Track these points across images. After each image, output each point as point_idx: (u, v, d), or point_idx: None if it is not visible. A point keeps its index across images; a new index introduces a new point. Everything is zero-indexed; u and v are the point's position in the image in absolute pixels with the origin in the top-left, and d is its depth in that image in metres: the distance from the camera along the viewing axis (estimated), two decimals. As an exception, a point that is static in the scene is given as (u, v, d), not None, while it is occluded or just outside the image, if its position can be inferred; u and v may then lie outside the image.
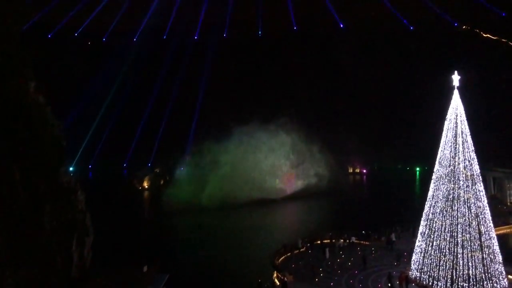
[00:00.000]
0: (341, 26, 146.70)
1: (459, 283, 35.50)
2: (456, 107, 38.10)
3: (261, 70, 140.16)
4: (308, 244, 48.38)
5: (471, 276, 35.49)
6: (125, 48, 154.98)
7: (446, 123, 38.41)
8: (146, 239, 61.44)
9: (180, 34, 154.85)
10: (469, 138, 37.76)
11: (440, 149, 38.55)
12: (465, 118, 37.95)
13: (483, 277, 35.53)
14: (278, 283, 37.30)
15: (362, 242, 50.13)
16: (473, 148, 37.71)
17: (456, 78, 38.40)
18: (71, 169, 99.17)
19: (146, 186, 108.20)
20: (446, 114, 38.54)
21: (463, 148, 37.38)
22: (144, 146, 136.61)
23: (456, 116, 37.94)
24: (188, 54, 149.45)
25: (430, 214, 38.01)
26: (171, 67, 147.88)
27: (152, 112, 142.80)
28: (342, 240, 48.89)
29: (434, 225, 37.44)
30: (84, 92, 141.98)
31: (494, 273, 35.99)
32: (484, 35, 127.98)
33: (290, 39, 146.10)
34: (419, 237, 39.10)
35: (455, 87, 38.31)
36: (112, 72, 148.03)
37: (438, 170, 38.38)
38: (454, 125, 37.83)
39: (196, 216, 74.36)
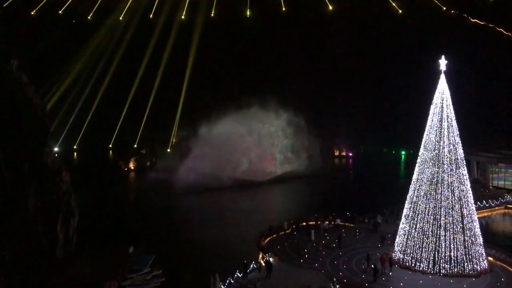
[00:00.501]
0: (330, 8, 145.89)
1: (441, 265, 36.30)
2: (442, 92, 38.42)
3: (248, 52, 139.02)
4: (294, 226, 48.75)
5: (453, 258, 36.32)
6: (111, 26, 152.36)
7: (432, 107, 38.75)
8: (132, 220, 61.37)
9: (167, 14, 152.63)
10: (454, 123, 38.20)
11: (425, 133, 38.98)
12: (450, 103, 38.34)
13: (464, 259, 36.40)
14: (263, 264, 37.65)
15: (347, 224, 50.70)
16: (457, 133, 38.19)
17: (443, 63, 38.61)
18: (55, 149, 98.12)
19: (132, 168, 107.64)
20: (432, 99, 38.84)
21: (448, 132, 37.84)
22: (130, 127, 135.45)
23: (442, 100, 38.28)
24: (174, 33, 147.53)
25: (414, 197, 38.61)
26: (157, 47, 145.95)
27: (138, 92, 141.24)
28: (327, 222, 49.34)
29: (418, 208, 38.06)
30: (68, 72, 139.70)
31: (475, 255, 36.85)
32: (472, 20, 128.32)
33: (278, 21, 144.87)
34: (403, 219, 39.71)
35: (442, 71, 38.56)
36: (98, 51, 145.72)
37: (423, 153, 38.85)
38: (440, 109, 38.19)
39: (178, 198, 74.16)
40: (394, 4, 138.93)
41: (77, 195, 35.55)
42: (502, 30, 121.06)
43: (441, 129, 37.91)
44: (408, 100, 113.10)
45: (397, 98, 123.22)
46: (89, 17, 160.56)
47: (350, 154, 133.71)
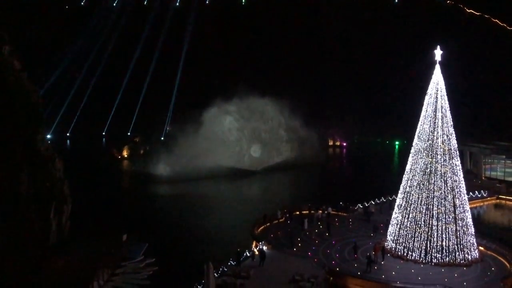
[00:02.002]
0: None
1: (433, 254, 36.61)
2: (437, 82, 38.42)
3: (244, 40, 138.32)
4: (287, 215, 48.91)
5: (445, 247, 36.62)
6: (105, 12, 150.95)
7: (426, 97, 38.78)
8: (125, 208, 61.36)
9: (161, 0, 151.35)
10: (448, 113, 38.27)
11: (419, 123, 39.05)
12: (445, 93, 38.37)
13: (456, 249, 36.71)
14: (257, 253, 37.80)
15: (339, 213, 50.85)
16: (451, 123, 38.28)
17: (438, 53, 38.57)
18: (48, 136, 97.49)
19: (126, 155, 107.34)
20: (427, 89, 38.86)
21: (442, 123, 37.92)
22: (123, 115, 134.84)
23: (437, 91, 38.29)
24: (169, 20, 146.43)
25: (408, 187, 38.78)
26: (152, 34, 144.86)
27: (131, 79, 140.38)
28: (320, 211, 49.54)
29: (411, 198, 38.25)
30: (62, 58, 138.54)
31: (466, 244, 37.18)
32: (468, 10, 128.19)
33: (273, 9, 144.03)
34: (395, 209, 39.93)
35: (437, 62, 38.52)
36: (91, 37, 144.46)
37: (416, 144, 38.95)
38: (434, 99, 38.22)
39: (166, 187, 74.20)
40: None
41: (70, 183, 35.40)
42: (497, 21, 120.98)
43: (435, 120, 37.98)
44: (403, 91, 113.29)
45: (392, 89, 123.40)
46: (82, 3, 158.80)
47: (344, 144, 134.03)
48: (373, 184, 69.61)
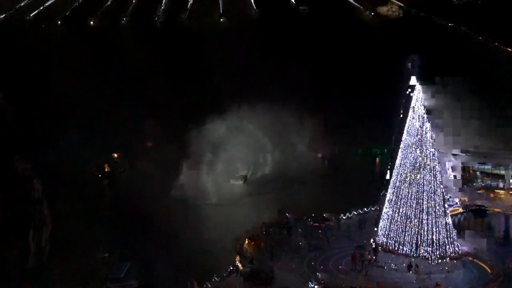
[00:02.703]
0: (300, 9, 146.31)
1: (424, 248, 36.99)
2: (419, 91, 39.41)
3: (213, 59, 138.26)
4: (270, 228, 48.81)
5: (435, 241, 37.06)
6: (83, 29, 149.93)
7: (414, 97, 39.55)
8: (106, 227, 60.22)
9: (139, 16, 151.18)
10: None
11: (408, 118, 39.68)
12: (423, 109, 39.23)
13: (446, 242, 37.16)
14: (241, 267, 37.61)
15: (321, 224, 50.79)
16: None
17: (412, 63, 39.73)
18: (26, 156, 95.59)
19: (106, 171, 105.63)
20: (404, 99, 39.71)
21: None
22: (104, 131, 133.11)
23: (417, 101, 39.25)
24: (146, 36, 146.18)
25: (398, 182, 39.18)
26: (127, 50, 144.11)
27: (111, 95, 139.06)
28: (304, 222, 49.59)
29: (401, 193, 38.67)
30: (40, 77, 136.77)
31: (456, 237, 37.74)
32: (442, 22, 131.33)
33: (249, 24, 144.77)
34: (386, 204, 40.30)
35: (413, 66, 39.64)
36: (68, 54, 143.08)
37: (406, 139, 39.54)
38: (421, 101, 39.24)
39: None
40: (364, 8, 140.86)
41: (49, 203, 34.84)
42: (471, 32, 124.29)
43: (423, 115, 38.79)
44: (382, 102, 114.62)
45: (371, 100, 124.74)
46: (59, 22, 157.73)
47: (325, 155, 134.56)
48: (354, 194, 69.63)
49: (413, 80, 39.69)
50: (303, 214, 52.01)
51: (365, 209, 55.89)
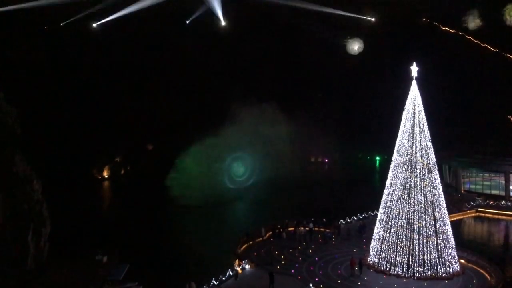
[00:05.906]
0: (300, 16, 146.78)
1: (415, 268, 36.88)
2: (414, 98, 39.23)
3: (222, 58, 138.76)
4: (271, 232, 48.81)
5: (426, 261, 36.98)
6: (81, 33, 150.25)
7: (404, 113, 39.53)
8: (106, 229, 60.23)
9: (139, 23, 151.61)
10: (426, 128, 39.03)
11: (398, 138, 39.70)
12: (422, 109, 39.19)
13: (437, 262, 37.11)
14: (240, 271, 37.53)
15: (321, 229, 50.80)
16: (429, 138, 38.99)
17: (414, 69, 39.53)
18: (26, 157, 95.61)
19: (106, 176, 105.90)
20: (404, 105, 39.62)
21: (420, 137, 38.61)
22: (104, 133, 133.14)
23: (414, 106, 39.08)
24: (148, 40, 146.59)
25: (388, 202, 39.16)
26: (127, 53, 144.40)
27: (112, 98, 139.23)
28: (301, 228, 49.54)
29: (392, 212, 38.61)
30: (41, 78, 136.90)
31: (448, 257, 37.59)
32: (443, 28, 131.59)
33: (251, 30, 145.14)
34: (377, 224, 40.23)
35: (413, 78, 39.40)
36: (68, 56, 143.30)
37: (396, 159, 39.50)
38: (412, 115, 38.97)
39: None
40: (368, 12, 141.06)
41: (48, 204, 34.81)
42: (471, 38, 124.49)
43: (413, 135, 38.68)
44: (382, 106, 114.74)
45: (372, 106, 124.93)
46: (61, 24, 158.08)
47: (326, 160, 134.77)
48: (355, 199, 69.75)
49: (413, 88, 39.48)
50: (303, 219, 51.95)
51: (365, 214, 56.06)
